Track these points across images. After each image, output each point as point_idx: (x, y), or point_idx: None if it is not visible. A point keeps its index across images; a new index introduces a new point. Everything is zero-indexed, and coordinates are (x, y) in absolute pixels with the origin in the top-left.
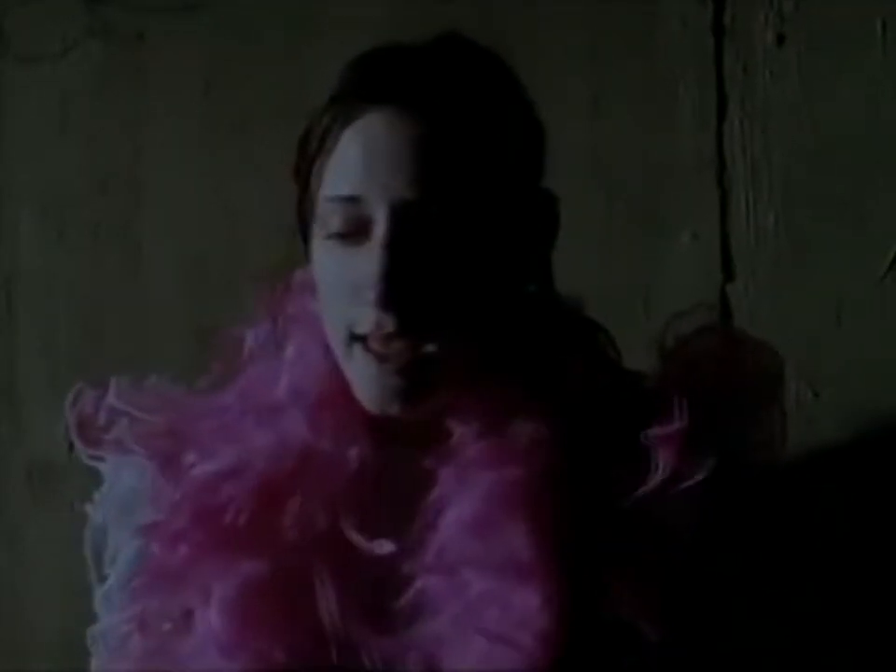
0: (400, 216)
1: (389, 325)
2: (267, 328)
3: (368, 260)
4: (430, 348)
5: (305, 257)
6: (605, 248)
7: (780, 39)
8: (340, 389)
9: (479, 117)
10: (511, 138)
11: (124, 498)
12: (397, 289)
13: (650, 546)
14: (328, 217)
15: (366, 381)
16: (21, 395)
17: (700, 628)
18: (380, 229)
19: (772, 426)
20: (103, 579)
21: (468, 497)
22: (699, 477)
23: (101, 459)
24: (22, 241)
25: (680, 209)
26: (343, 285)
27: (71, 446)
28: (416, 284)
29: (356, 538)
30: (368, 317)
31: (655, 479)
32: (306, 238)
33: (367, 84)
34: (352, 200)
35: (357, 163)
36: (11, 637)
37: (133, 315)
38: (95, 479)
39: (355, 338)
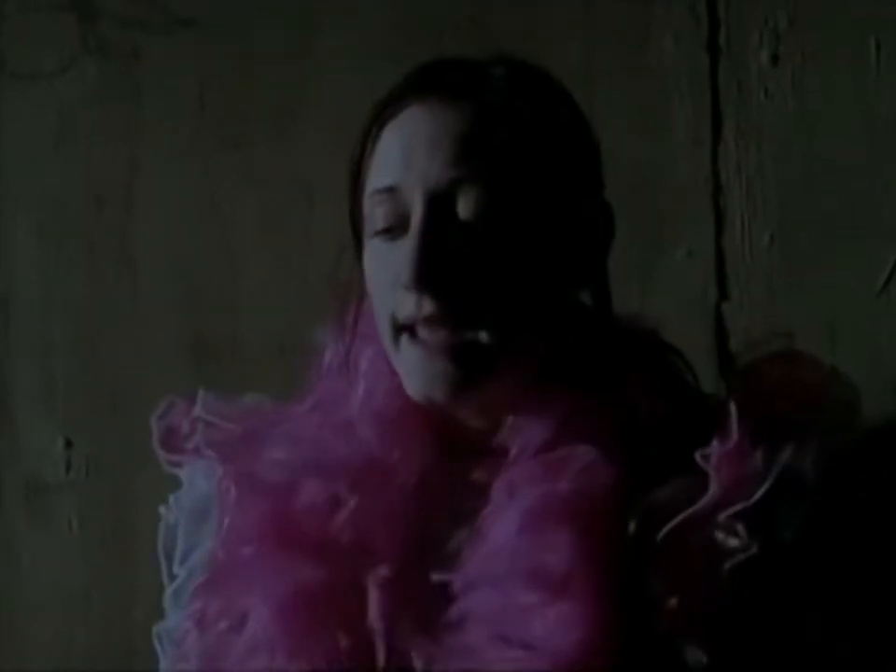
0: (436, 199)
1: (427, 307)
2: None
3: (405, 249)
4: (477, 335)
5: (360, 270)
6: None
7: (775, 58)
8: (407, 403)
9: (524, 112)
10: (558, 139)
11: (197, 502)
12: (431, 269)
13: (698, 566)
14: (372, 214)
15: (412, 367)
16: (17, 411)
17: (749, 649)
18: (416, 214)
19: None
20: (172, 578)
21: (515, 511)
22: (752, 500)
23: (179, 466)
24: (19, 256)
25: (675, 226)
26: (386, 277)
27: (68, 465)
28: (454, 267)
29: (413, 551)
30: (408, 302)
31: (705, 500)
32: (360, 249)
33: (410, 81)
34: (390, 190)
35: (397, 154)
36: (8, 652)
37: (130, 330)
38: (91, 497)
39: (400, 328)
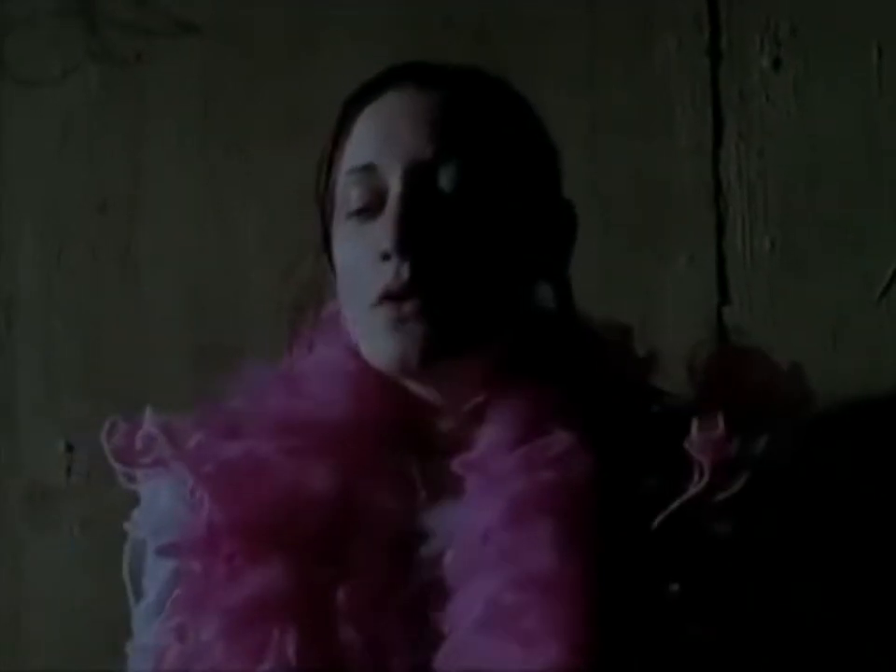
0: (415, 174)
1: (405, 273)
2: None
3: (384, 221)
4: (451, 305)
5: (330, 265)
6: (602, 271)
7: (776, 63)
8: (372, 397)
9: (495, 104)
10: (521, 134)
11: (162, 517)
12: (412, 236)
13: (691, 553)
14: (347, 195)
15: (386, 335)
16: (19, 417)
17: (746, 631)
18: (394, 187)
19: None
20: (140, 595)
21: (498, 505)
22: (737, 487)
23: (135, 481)
24: (22, 260)
25: (677, 232)
26: (363, 257)
27: (69, 470)
28: (432, 237)
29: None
30: (386, 271)
31: (697, 486)
32: (328, 243)
33: (385, 72)
34: (368, 168)
35: (375, 134)
36: (11, 658)
37: (133, 336)
38: (93, 502)
39: (377, 301)
